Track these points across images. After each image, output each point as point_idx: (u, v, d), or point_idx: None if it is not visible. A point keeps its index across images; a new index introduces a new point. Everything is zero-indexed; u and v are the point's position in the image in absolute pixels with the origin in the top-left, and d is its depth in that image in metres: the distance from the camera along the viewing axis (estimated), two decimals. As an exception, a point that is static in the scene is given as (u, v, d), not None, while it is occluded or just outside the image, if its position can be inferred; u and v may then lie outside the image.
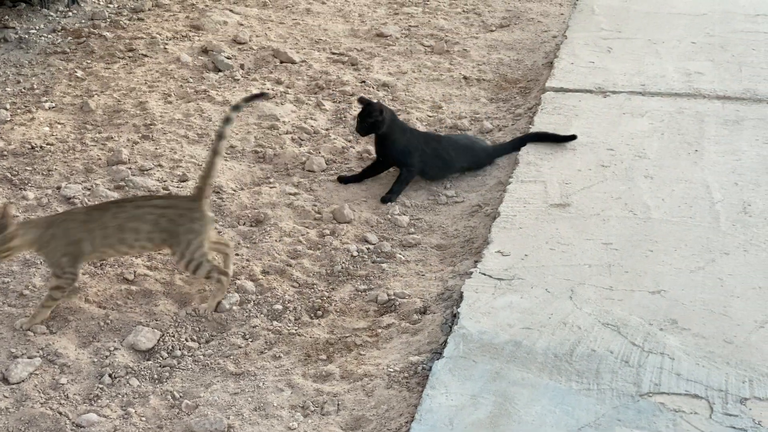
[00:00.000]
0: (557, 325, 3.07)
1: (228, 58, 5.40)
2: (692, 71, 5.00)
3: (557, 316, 3.12)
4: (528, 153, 4.22)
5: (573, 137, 4.29)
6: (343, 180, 4.25)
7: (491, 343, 3.00)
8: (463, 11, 6.33)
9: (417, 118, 4.76)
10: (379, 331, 3.23)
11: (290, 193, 4.12)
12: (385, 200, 4.10)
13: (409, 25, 6.07)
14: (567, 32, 5.64)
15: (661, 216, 3.69)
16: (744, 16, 5.78)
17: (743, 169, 4.01)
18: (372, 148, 4.38)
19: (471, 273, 3.38)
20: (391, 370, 2.98)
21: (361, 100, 4.19)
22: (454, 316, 3.17)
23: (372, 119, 4.10)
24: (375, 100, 4.28)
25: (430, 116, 4.83)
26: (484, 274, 3.36)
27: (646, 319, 3.08)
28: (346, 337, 3.22)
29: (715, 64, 5.08)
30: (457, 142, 4.33)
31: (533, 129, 4.41)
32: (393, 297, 3.40)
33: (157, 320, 3.28)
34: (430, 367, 2.93)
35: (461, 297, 3.24)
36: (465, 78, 5.29)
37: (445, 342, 3.04)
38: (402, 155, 4.18)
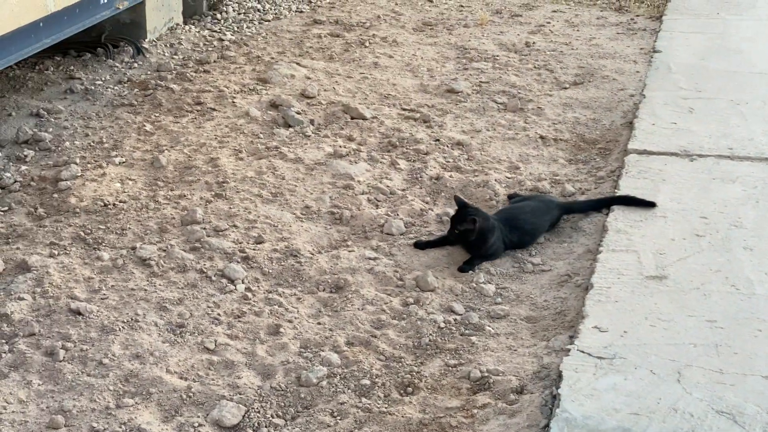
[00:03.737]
0: (667, 412, 2.89)
1: (298, 113, 5.30)
2: (781, 134, 4.82)
3: (666, 401, 2.93)
4: (617, 220, 4.06)
5: (653, 204, 4.15)
6: (420, 246, 4.10)
7: (597, 429, 2.83)
8: (534, 67, 6.20)
9: (495, 180, 4.61)
10: (475, 411, 3.06)
11: (370, 258, 3.98)
12: (463, 270, 3.93)
13: (480, 81, 5.94)
14: (645, 91, 5.48)
15: (766, 292, 3.49)
16: (828, 76, 5.60)
17: None
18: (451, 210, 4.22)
19: (568, 350, 3.22)
20: (492, 456, 2.81)
21: (456, 200, 4.08)
22: (554, 397, 3.00)
23: (463, 227, 3.95)
24: (472, 205, 4.11)
25: (508, 177, 4.68)
26: (583, 352, 3.19)
27: (763, 408, 2.88)
28: (440, 417, 3.05)
29: (804, 127, 4.90)
30: (525, 206, 4.22)
31: (619, 193, 4.26)
32: (486, 374, 3.23)
33: (240, 394, 3.14)
34: (534, 455, 2.77)
35: (560, 376, 3.07)
36: (541, 137, 5.15)
37: (547, 426, 2.87)
38: (489, 251, 4.01)
